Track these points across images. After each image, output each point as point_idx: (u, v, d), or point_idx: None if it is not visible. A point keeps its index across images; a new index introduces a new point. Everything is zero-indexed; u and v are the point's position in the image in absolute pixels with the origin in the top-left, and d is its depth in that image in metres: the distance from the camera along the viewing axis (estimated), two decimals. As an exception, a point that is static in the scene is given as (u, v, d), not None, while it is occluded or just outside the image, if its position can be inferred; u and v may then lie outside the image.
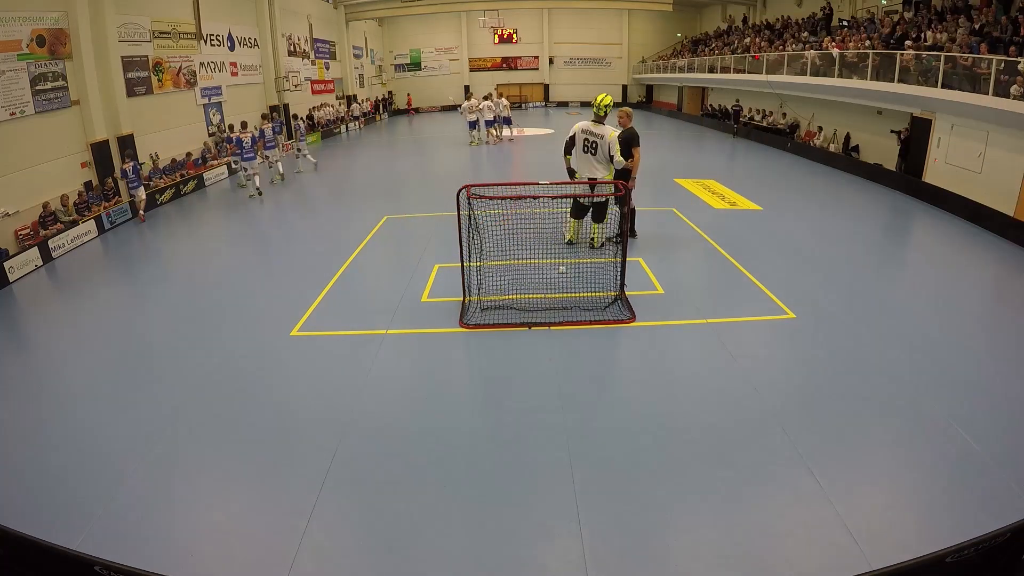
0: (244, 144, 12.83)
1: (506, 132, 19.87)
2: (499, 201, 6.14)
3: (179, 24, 15.14)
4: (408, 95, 34.63)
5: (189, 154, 14.78)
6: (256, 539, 3.45)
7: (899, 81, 12.15)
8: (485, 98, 19.04)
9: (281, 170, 14.25)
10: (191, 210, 12.42)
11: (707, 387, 4.86)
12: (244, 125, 13.26)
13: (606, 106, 7.37)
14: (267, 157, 14.06)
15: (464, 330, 5.92)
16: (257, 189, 12.76)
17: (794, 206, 10.99)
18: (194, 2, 15.71)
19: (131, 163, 11.44)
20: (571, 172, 7.75)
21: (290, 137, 18.44)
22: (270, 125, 14.42)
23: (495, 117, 18.97)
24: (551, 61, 34.73)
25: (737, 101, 21.60)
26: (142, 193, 11.49)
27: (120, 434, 4.47)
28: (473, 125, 18.91)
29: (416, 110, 34.50)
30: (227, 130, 14.61)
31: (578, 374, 5.09)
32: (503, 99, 19.89)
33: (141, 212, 11.44)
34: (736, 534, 3.34)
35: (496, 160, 16.99)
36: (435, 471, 3.94)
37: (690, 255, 8.07)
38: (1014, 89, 9.15)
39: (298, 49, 22.88)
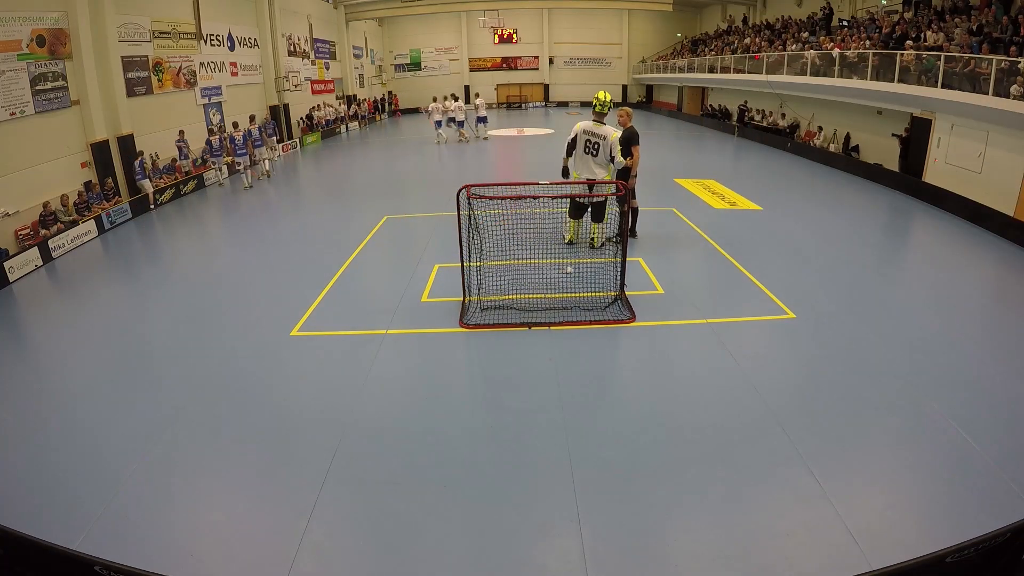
0: (237, 142, 14.06)
1: (481, 130, 20.66)
2: (499, 201, 6.14)
3: (179, 24, 15.13)
4: (395, 96, 34.54)
5: (181, 131, 14.66)
6: (256, 539, 3.45)
7: (899, 81, 12.15)
8: (455, 98, 20.03)
9: (268, 168, 15.27)
10: (191, 210, 12.43)
11: (707, 387, 4.85)
12: (236, 125, 14.59)
13: (608, 102, 7.37)
14: (255, 155, 14.81)
15: (464, 330, 5.92)
16: (248, 184, 14.05)
17: (794, 206, 10.99)
18: (194, 2, 15.71)
19: (139, 158, 12.37)
20: (565, 171, 7.74)
21: (280, 140, 19.50)
22: (257, 126, 15.14)
23: (467, 116, 20.13)
24: (551, 61, 34.73)
25: (745, 102, 21.60)
26: (148, 186, 12.27)
27: (120, 434, 4.47)
28: (439, 124, 19.63)
29: (401, 111, 34.26)
30: (215, 131, 15.71)
31: (578, 374, 5.09)
32: (479, 99, 21.05)
33: (151, 204, 12.32)
34: (736, 534, 3.34)
35: (495, 160, 17.00)
36: (435, 471, 3.94)
37: (690, 255, 8.07)
38: (1014, 89, 9.16)
39: (298, 49, 22.87)
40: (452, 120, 19.74)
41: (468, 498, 3.70)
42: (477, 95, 22.92)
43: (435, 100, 20.01)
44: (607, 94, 7.46)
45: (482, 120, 20.39)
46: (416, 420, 4.53)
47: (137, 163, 12.26)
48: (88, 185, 11.17)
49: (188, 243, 10.23)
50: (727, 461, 3.94)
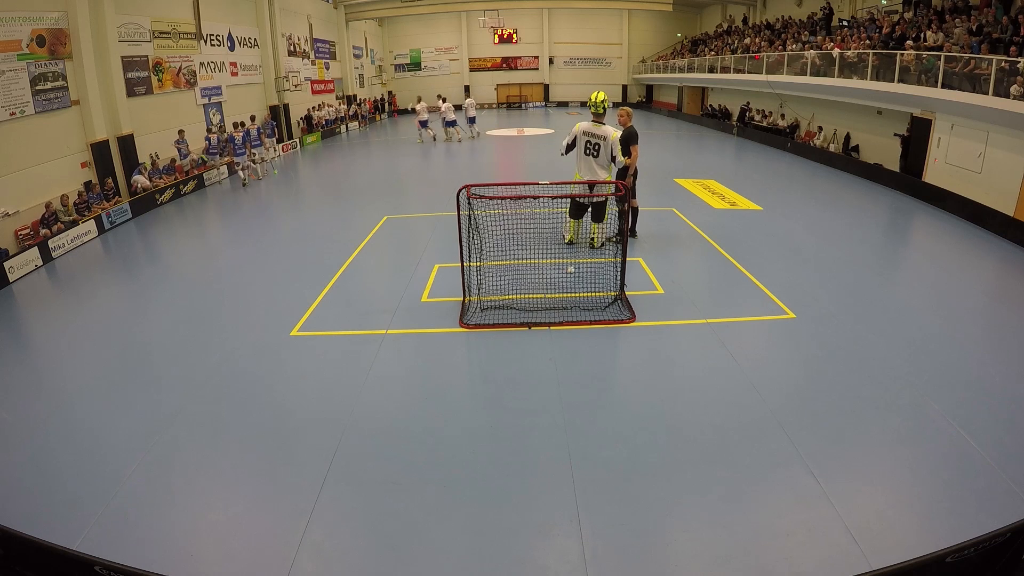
0: (236, 141, 14.41)
1: (472, 130, 21.20)
2: (499, 201, 6.13)
3: (179, 24, 15.13)
4: (393, 96, 34.56)
5: (181, 132, 14.67)
6: (256, 539, 3.45)
7: (899, 81, 12.16)
8: (443, 100, 20.58)
9: (261, 171, 15.46)
10: (191, 210, 12.43)
11: (707, 387, 4.85)
12: (236, 125, 14.85)
13: (602, 102, 7.36)
14: (253, 154, 15.03)
15: (464, 330, 5.92)
16: (244, 182, 14.39)
17: (794, 206, 10.99)
18: (194, 2, 15.71)
19: (138, 167, 12.80)
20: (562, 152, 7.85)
21: (280, 140, 19.76)
22: (255, 126, 15.43)
23: (457, 116, 20.82)
24: (551, 61, 34.74)
25: (747, 103, 21.60)
26: (142, 180, 12.53)
27: (120, 434, 4.47)
28: (425, 124, 20.33)
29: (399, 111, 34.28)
30: (213, 131, 16.12)
31: (578, 374, 5.09)
32: (468, 100, 21.89)
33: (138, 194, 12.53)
34: (736, 534, 3.34)
35: (495, 160, 17.01)
36: (435, 471, 3.94)
37: (690, 255, 8.07)
38: (1014, 89, 9.16)
39: (298, 49, 22.87)
40: (427, 122, 20.39)
41: (468, 498, 3.70)
42: (467, 97, 24.14)
43: (420, 99, 20.65)
44: (603, 94, 7.43)
45: (471, 121, 20.95)
46: (416, 420, 4.53)
47: (136, 170, 12.53)
48: (88, 185, 11.16)
49: (188, 243, 10.22)
50: (727, 461, 3.93)
